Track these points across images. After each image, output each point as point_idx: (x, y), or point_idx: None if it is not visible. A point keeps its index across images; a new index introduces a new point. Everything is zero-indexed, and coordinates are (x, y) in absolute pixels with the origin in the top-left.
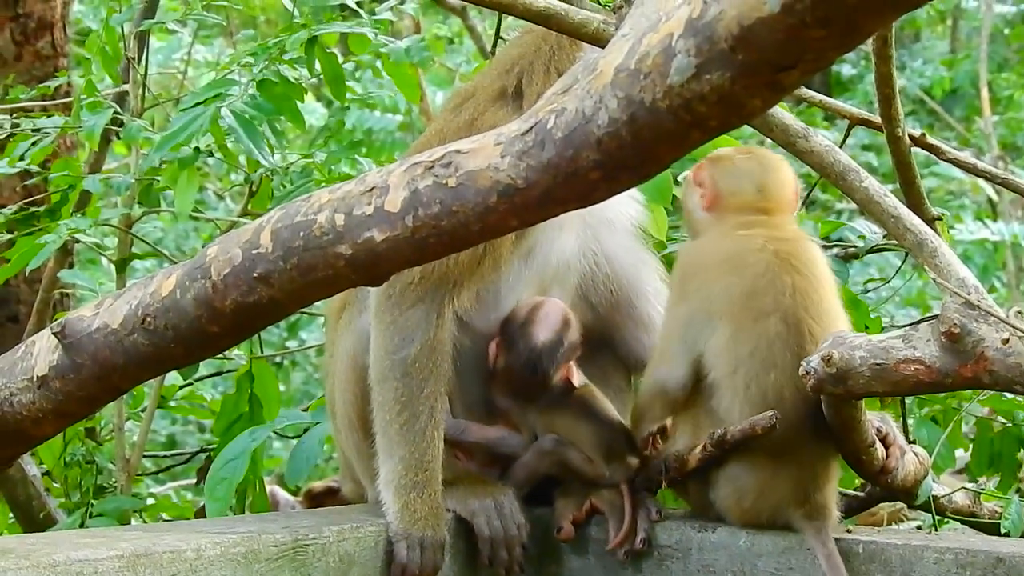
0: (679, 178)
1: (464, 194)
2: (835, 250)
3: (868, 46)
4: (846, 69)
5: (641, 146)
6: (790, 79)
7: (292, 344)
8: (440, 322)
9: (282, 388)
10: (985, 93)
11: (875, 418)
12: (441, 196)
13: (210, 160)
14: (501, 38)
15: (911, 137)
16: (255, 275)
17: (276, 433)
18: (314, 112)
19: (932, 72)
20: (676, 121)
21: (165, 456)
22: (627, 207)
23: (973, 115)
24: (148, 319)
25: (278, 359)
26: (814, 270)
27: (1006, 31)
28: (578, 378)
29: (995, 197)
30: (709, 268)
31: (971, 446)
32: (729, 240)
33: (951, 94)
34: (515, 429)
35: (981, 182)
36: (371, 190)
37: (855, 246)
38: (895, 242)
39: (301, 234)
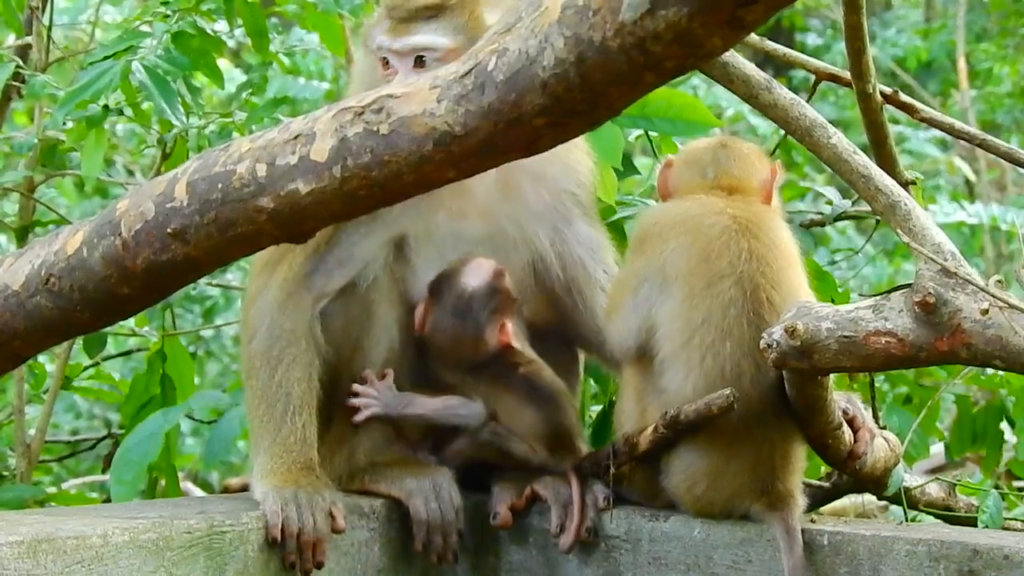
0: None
1: (397, 142)
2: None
3: (838, 15)
4: (811, 39)
5: (590, 89)
6: (752, 15)
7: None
8: (285, 308)
9: (196, 381)
10: (962, 65)
11: (841, 399)
12: (372, 144)
13: (119, 129)
14: None
15: (883, 95)
16: (169, 231)
17: (191, 419)
18: (232, 80)
19: (906, 41)
20: (628, 62)
21: (68, 442)
22: (568, 177)
23: (949, 89)
24: (52, 279)
25: (192, 349)
26: (773, 237)
27: None
28: (518, 341)
29: (972, 177)
30: (665, 228)
31: (951, 427)
32: (689, 203)
33: (925, 67)
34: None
35: (957, 161)
36: (296, 138)
37: (821, 213)
38: (863, 210)
39: (220, 186)
